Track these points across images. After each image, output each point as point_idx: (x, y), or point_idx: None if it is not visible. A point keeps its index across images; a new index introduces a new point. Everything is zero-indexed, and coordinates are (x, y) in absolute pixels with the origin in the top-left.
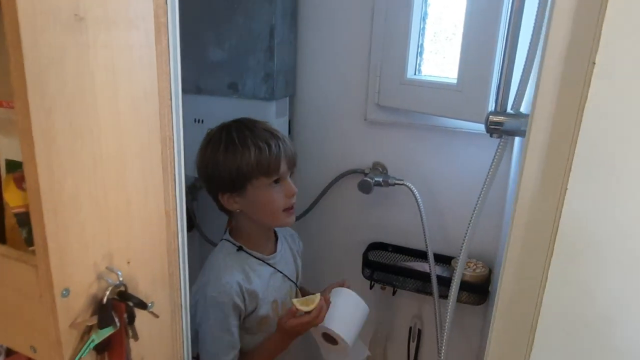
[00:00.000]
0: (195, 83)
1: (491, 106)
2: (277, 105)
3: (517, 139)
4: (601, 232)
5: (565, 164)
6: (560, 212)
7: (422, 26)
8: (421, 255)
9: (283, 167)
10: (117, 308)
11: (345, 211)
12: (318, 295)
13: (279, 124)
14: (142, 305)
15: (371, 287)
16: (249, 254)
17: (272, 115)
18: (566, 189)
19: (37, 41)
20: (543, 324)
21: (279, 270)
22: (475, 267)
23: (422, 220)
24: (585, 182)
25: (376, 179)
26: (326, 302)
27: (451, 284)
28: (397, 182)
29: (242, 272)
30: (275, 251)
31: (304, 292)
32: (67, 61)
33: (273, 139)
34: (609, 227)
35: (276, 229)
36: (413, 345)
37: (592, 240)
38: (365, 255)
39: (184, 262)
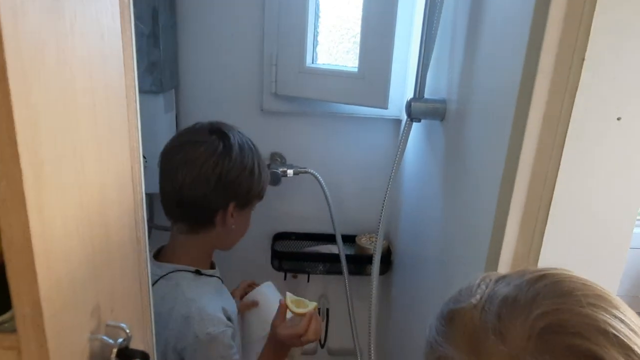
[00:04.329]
0: None
1: (394, 91)
2: (165, 98)
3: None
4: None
5: (553, 150)
6: (552, 191)
7: (317, 14)
8: (323, 238)
9: None
10: None
11: None
12: (314, 303)
13: (167, 120)
14: (146, 359)
15: (285, 278)
16: (206, 274)
17: (160, 110)
18: (559, 166)
19: (18, 28)
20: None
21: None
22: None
23: (328, 205)
24: (574, 164)
25: (281, 169)
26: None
27: (373, 260)
28: (300, 170)
29: (215, 296)
30: (214, 264)
31: None
32: (47, 57)
33: None
34: (594, 202)
35: None
36: (323, 324)
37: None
38: (272, 247)
39: (149, 294)
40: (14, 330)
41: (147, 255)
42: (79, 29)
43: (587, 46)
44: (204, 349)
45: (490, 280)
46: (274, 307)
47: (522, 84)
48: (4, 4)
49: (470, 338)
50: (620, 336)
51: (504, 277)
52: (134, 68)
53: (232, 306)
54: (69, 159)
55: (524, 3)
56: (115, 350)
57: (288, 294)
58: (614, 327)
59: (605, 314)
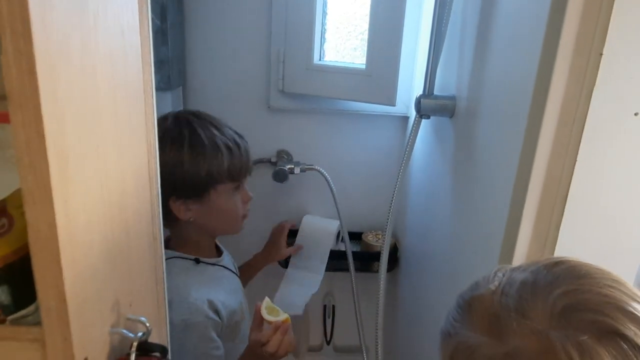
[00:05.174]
0: None
1: (401, 88)
2: (172, 96)
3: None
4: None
5: (569, 146)
6: (568, 186)
7: (324, 11)
8: None
9: (249, 171)
10: None
11: (254, 203)
12: (285, 316)
13: None
14: (165, 353)
15: None
16: (206, 263)
17: (168, 107)
18: (575, 162)
19: (45, 21)
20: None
21: (231, 270)
22: (383, 238)
23: (335, 202)
24: (591, 160)
25: (288, 167)
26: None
27: (381, 257)
28: (307, 167)
29: (207, 285)
30: (220, 251)
31: None
32: (73, 52)
33: (240, 139)
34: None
35: None
36: (329, 321)
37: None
38: None
39: (164, 290)
40: (37, 323)
41: (162, 250)
42: (102, 25)
43: (605, 41)
44: (178, 335)
45: (506, 269)
46: (320, 238)
47: (537, 80)
48: None
49: (491, 320)
50: (638, 314)
51: (518, 266)
52: (151, 63)
53: (227, 299)
54: (92, 154)
55: None
56: (135, 343)
57: (266, 299)
58: (631, 306)
59: (622, 294)
